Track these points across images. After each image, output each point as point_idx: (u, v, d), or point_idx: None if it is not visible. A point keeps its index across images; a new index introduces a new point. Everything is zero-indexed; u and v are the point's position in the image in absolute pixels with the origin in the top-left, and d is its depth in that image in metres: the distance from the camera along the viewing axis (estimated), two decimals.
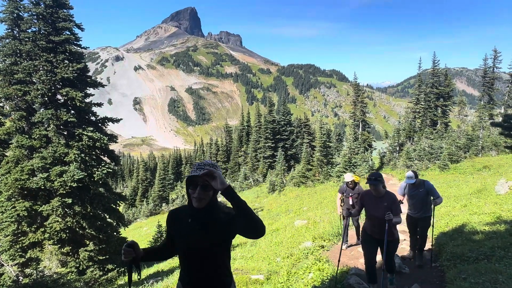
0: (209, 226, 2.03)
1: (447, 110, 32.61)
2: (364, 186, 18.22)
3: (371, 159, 26.91)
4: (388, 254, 4.38)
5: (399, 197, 5.77)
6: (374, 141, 35.34)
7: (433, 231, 5.98)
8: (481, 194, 10.58)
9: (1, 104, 12.77)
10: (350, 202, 6.99)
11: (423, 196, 5.46)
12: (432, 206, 5.53)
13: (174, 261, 11.33)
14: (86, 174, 11.80)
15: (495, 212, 7.61)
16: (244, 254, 9.19)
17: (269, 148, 34.78)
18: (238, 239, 12.59)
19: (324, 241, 7.86)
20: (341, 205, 7.28)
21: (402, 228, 7.05)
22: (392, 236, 4.33)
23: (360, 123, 33.80)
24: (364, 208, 4.56)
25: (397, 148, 29.19)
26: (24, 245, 11.01)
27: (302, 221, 11.23)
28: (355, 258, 6.62)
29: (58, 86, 12.35)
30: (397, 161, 25.93)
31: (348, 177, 7.03)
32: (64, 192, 11.17)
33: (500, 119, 26.45)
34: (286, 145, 35.24)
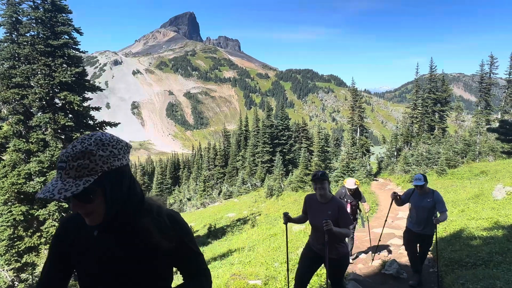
0: (129, 237, 1.26)
1: (444, 116, 32.84)
2: (365, 192, 18.21)
3: (369, 164, 26.96)
4: (331, 277, 3.53)
5: (397, 204, 5.21)
6: (372, 146, 35.45)
7: (437, 239, 5.18)
8: (478, 199, 10.61)
9: None
10: (348, 210, 6.22)
11: (430, 208, 4.74)
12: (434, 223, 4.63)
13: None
14: None
15: (493, 217, 7.63)
16: (241, 259, 9.13)
17: (267, 153, 34.79)
18: (236, 243, 12.52)
19: None
20: None
21: (400, 234, 7.05)
22: (335, 253, 3.38)
23: (358, 128, 33.94)
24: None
25: (395, 153, 29.29)
26: (20, 249, 10.93)
27: (300, 226, 11.19)
28: (354, 263, 6.62)
29: (56, 90, 12.35)
30: (395, 166, 25.99)
31: (351, 183, 6.18)
32: None
33: (497, 124, 26.63)
34: (284, 150, 35.28)
